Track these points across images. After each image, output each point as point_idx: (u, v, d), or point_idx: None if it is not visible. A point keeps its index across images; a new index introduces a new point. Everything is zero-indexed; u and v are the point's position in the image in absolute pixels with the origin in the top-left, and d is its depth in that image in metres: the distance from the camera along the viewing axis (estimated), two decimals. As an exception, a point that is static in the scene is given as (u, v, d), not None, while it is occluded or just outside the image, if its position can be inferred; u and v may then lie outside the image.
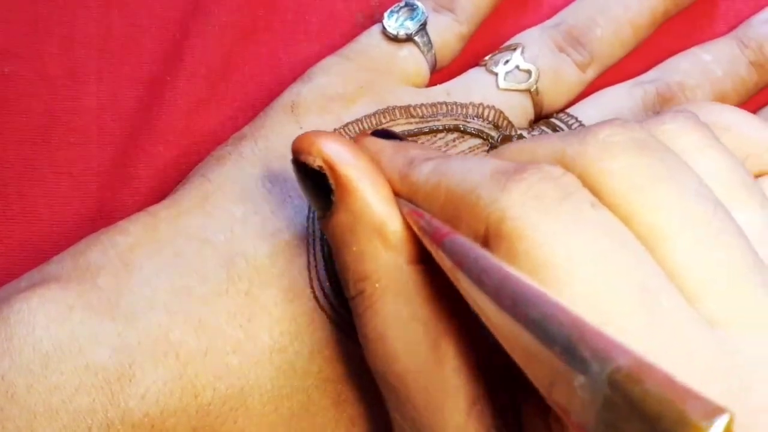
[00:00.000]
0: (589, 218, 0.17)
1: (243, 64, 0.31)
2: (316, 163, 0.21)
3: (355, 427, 0.25)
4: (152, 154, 0.30)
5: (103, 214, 0.29)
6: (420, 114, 0.28)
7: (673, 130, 0.20)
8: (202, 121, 0.30)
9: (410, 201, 0.21)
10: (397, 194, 0.21)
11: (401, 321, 0.20)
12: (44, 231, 0.29)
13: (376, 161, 0.22)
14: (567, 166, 0.18)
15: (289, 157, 0.22)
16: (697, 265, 0.17)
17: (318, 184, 0.22)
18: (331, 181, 0.21)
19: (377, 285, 0.21)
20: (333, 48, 0.30)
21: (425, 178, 0.20)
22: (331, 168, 0.21)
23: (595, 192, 0.18)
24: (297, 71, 0.30)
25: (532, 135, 0.29)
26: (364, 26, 0.31)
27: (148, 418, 0.23)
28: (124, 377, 0.23)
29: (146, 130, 0.30)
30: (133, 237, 0.25)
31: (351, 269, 0.21)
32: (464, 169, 0.19)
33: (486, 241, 0.18)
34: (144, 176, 0.30)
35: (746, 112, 0.23)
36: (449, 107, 0.29)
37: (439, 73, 0.31)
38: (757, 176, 0.22)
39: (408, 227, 0.21)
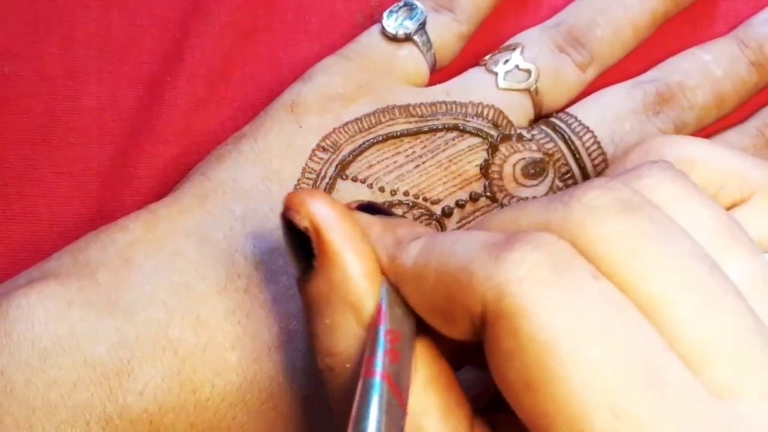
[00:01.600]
0: (591, 291, 0.17)
1: (243, 64, 0.31)
2: (303, 223, 0.20)
3: None
4: (152, 154, 0.30)
5: (103, 214, 0.29)
6: (419, 113, 0.29)
7: (652, 184, 0.19)
8: (202, 121, 0.30)
9: (398, 285, 0.20)
10: (384, 275, 0.20)
11: None
12: (44, 231, 0.29)
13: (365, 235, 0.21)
14: (555, 234, 0.18)
15: (279, 209, 0.21)
16: (699, 333, 0.17)
17: (301, 244, 0.21)
18: (315, 245, 0.20)
19: (347, 365, 0.20)
20: (333, 48, 0.30)
21: (413, 261, 0.19)
22: (317, 231, 0.20)
23: (588, 259, 0.17)
24: (297, 71, 0.30)
25: (532, 134, 0.29)
26: (364, 26, 0.31)
27: (146, 413, 0.23)
28: (123, 373, 0.23)
29: (146, 130, 0.30)
30: (133, 234, 0.25)
31: (321, 341, 0.20)
32: (453, 246, 0.18)
33: (483, 322, 0.17)
34: (144, 176, 0.30)
35: (707, 141, 0.23)
36: (449, 106, 0.29)
37: (439, 73, 0.31)
38: (733, 206, 0.22)
39: None
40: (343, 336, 0.20)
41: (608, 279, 0.17)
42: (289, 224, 0.21)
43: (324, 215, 0.20)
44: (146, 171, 0.30)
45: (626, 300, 0.17)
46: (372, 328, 0.19)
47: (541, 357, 0.16)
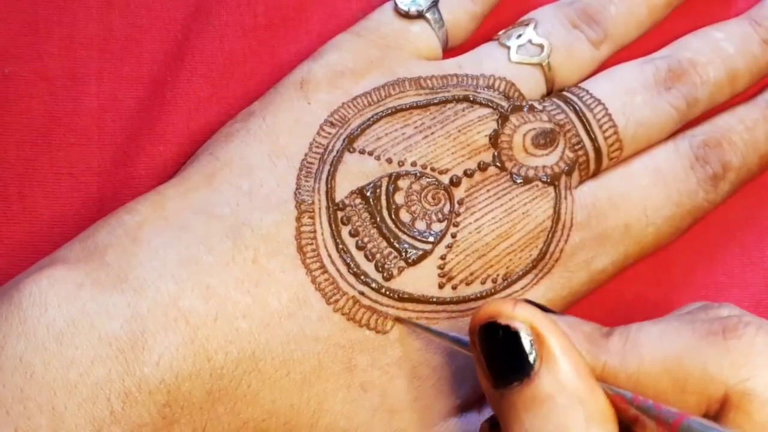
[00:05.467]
0: None
1: (243, 64, 0.31)
2: (521, 329, 0.21)
3: (367, 394, 0.26)
4: (152, 154, 0.30)
5: (104, 214, 0.29)
6: (430, 86, 0.29)
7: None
8: (202, 121, 0.30)
9: (602, 380, 0.21)
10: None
11: None
12: (44, 231, 0.29)
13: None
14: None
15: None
16: None
17: (495, 356, 0.22)
18: (536, 346, 0.21)
19: None
20: (334, 47, 0.30)
21: (620, 359, 0.21)
22: (538, 335, 0.21)
23: None
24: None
25: (543, 105, 0.29)
26: (361, 20, 0.31)
27: (164, 384, 0.23)
28: (137, 345, 0.23)
29: (146, 130, 0.30)
30: (141, 215, 0.26)
31: None
32: (663, 341, 0.21)
33: (721, 408, 0.20)
34: (144, 176, 0.30)
35: None
36: (460, 78, 0.29)
37: (452, 53, 0.31)
38: None
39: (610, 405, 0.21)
40: None
41: None
42: (484, 336, 0.22)
43: (537, 318, 0.21)
44: (146, 171, 0.30)
45: None
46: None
47: None
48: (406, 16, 0.30)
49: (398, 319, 0.26)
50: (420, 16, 0.30)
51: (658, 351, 0.21)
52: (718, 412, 0.20)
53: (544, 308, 0.23)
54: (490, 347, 0.22)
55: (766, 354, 0.20)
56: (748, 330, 0.20)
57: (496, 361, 0.22)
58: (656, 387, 0.21)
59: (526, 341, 0.21)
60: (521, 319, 0.22)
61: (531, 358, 0.21)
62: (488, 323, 0.22)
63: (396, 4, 0.30)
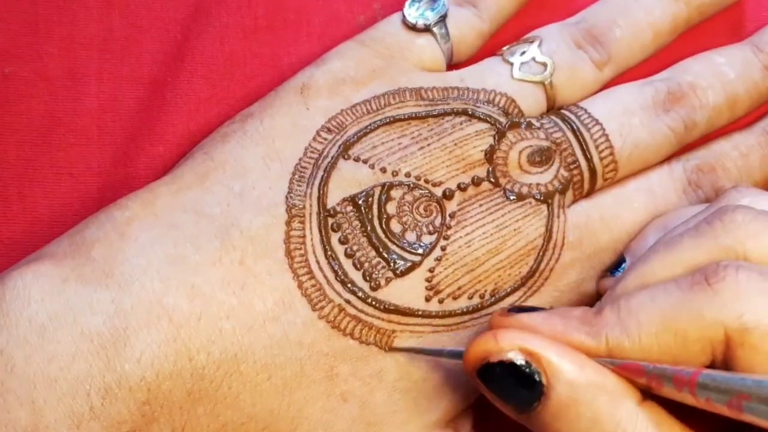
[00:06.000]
0: None
1: (244, 65, 0.31)
2: (512, 357, 0.22)
3: (346, 404, 0.26)
4: (152, 154, 0.30)
5: (103, 214, 0.29)
6: (430, 97, 0.29)
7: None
8: (202, 121, 0.30)
9: (610, 356, 0.22)
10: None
11: None
12: (44, 231, 0.29)
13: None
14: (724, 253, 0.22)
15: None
16: None
17: (504, 388, 0.23)
18: (535, 365, 0.22)
19: None
20: (335, 49, 0.30)
21: (620, 329, 0.22)
22: (530, 353, 0.22)
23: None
24: (298, 72, 0.30)
25: (541, 122, 0.29)
26: (365, 29, 0.31)
27: (144, 381, 0.23)
28: (119, 342, 0.23)
29: (146, 131, 0.30)
30: (131, 211, 0.26)
31: None
32: (654, 302, 0.22)
33: (727, 350, 0.21)
34: (144, 176, 0.30)
35: None
36: (461, 92, 0.29)
37: (455, 67, 0.31)
38: None
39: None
40: (609, 417, 0.21)
41: None
42: (486, 378, 0.23)
43: (523, 338, 0.22)
44: (146, 171, 0.30)
45: None
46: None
47: None
48: (413, 28, 0.30)
49: (396, 349, 0.26)
50: (427, 29, 0.30)
51: (652, 311, 0.21)
52: (725, 355, 0.21)
53: (531, 309, 0.24)
54: (495, 384, 0.23)
55: (751, 288, 0.20)
56: (729, 271, 0.21)
57: (509, 393, 0.22)
58: (660, 345, 0.21)
59: (524, 366, 0.22)
60: (508, 348, 0.22)
61: (537, 378, 0.22)
62: (482, 366, 0.22)
63: (404, 17, 0.30)
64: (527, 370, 0.22)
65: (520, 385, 0.22)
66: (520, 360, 0.22)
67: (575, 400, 0.21)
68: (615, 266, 0.27)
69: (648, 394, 0.22)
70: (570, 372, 0.22)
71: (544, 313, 0.23)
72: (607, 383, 0.22)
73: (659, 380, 0.21)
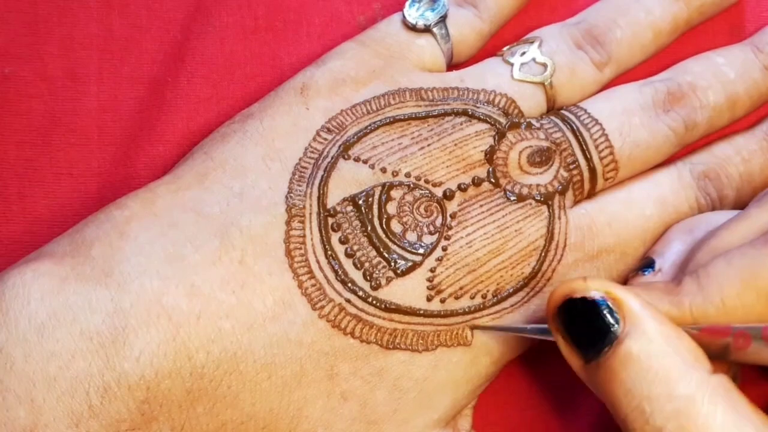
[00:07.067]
0: None
1: (244, 65, 0.31)
2: (596, 296, 0.23)
3: (347, 403, 0.26)
4: (152, 154, 0.30)
5: (103, 215, 0.29)
6: (430, 97, 0.29)
7: None
8: (202, 121, 0.30)
9: (696, 322, 0.23)
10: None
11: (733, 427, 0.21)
12: (44, 231, 0.29)
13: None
14: None
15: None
16: None
17: (577, 330, 0.23)
18: (616, 310, 0.22)
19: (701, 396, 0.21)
20: (335, 49, 0.30)
21: (702, 296, 0.23)
22: (615, 298, 0.22)
23: None
24: (298, 72, 0.30)
25: (541, 123, 0.29)
26: (365, 29, 0.31)
27: (143, 380, 0.23)
28: (119, 340, 0.23)
29: (146, 131, 0.30)
30: (130, 210, 0.26)
31: (656, 392, 0.21)
32: (732, 265, 0.22)
33: None
34: (144, 176, 0.30)
35: None
36: (461, 92, 0.29)
37: (456, 68, 0.31)
38: None
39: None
40: (680, 377, 0.21)
41: None
42: (563, 317, 0.23)
43: (612, 285, 0.23)
44: (146, 171, 0.30)
45: None
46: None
47: None
48: (413, 29, 0.30)
49: (475, 327, 0.27)
50: (427, 30, 0.30)
51: (732, 273, 0.22)
52: None
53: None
54: (571, 325, 0.23)
55: None
56: None
57: (581, 336, 0.23)
58: (744, 305, 0.22)
59: (606, 307, 0.22)
60: (595, 288, 0.23)
61: (614, 321, 0.22)
62: (564, 302, 0.23)
63: (404, 17, 0.30)
64: (606, 311, 0.22)
65: (596, 327, 0.22)
66: (602, 301, 0.22)
67: (648, 354, 0.22)
68: (644, 267, 0.27)
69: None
70: (649, 324, 0.22)
71: (627, 286, 0.24)
72: (683, 345, 0.22)
73: (746, 337, 0.21)
